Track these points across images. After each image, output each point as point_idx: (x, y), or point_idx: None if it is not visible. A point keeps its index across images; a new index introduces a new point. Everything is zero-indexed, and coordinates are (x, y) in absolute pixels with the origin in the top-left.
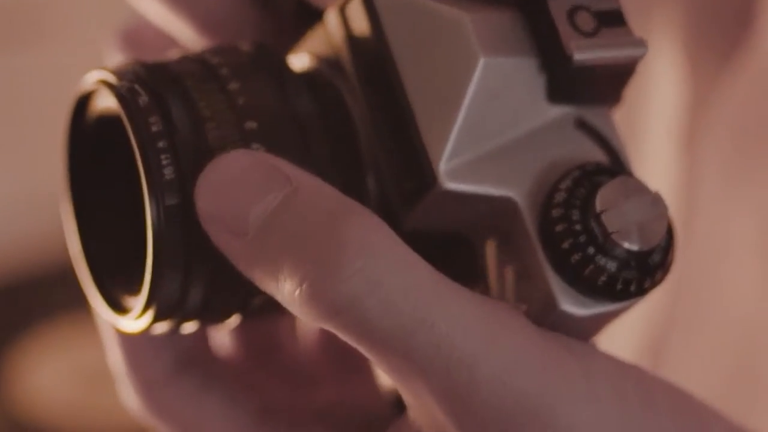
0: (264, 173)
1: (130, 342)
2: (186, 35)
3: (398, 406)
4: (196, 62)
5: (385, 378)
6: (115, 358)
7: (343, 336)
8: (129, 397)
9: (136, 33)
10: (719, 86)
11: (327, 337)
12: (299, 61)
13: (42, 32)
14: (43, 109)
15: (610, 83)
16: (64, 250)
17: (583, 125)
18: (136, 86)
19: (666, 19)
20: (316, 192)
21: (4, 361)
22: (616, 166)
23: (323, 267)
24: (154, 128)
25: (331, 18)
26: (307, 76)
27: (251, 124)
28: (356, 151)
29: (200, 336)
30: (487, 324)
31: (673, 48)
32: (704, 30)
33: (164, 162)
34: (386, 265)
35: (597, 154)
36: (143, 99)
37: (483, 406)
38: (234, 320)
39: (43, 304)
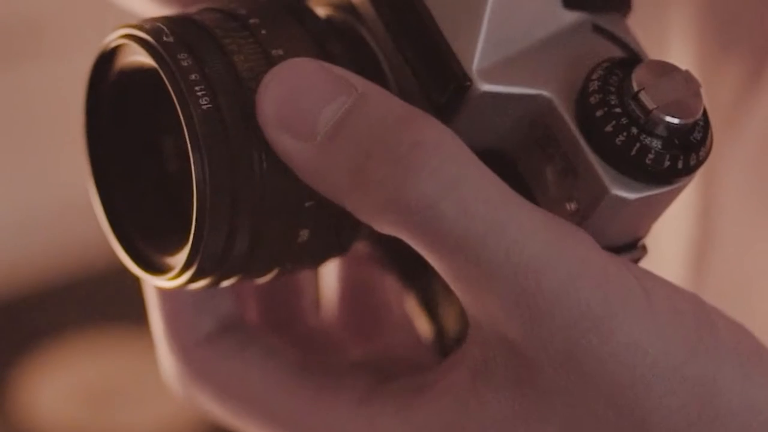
0: (331, 78)
1: (170, 306)
2: None
3: (439, 345)
4: (217, 11)
5: (420, 321)
6: (155, 322)
7: (413, 241)
8: (166, 362)
9: None
10: (738, 115)
11: (348, 303)
12: (317, 11)
13: (40, 49)
14: (43, 126)
15: None
16: (68, 267)
17: (599, 29)
18: (160, 31)
19: (682, 47)
20: (385, 98)
21: (7, 378)
22: (640, 58)
23: (399, 167)
24: (185, 63)
25: None
26: (327, 22)
27: (278, 52)
28: (385, 84)
29: (234, 301)
30: (552, 234)
31: (690, 63)
32: (721, 60)
33: (199, 93)
34: (460, 167)
35: (618, 53)
36: (169, 39)
37: (548, 313)
38: (272, 275)
39: (46, 322)
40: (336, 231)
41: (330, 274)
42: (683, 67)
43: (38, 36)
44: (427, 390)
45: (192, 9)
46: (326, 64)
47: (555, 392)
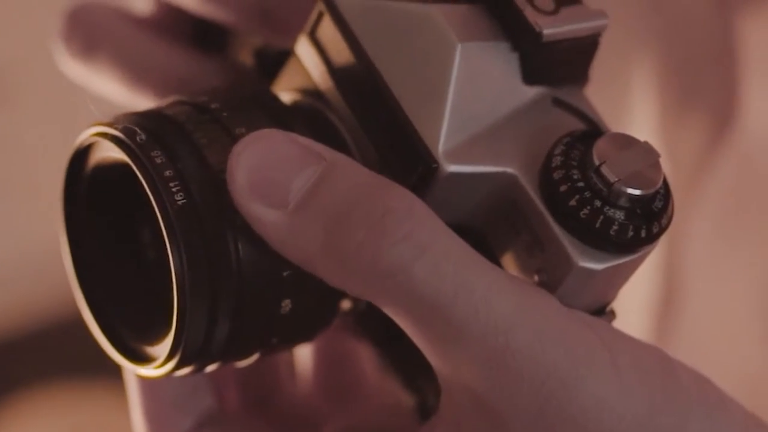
0: (300, 148)
1: (150, 404)
2: (149, 103)
3: (420, 411)
4: (186, 104)
5: (398, 391)
6: (136, 420)
7: (386, 304)
8: None
9: (84, 11)
10: (701, 176)
11: (323, 373)
12: (282, 97)
13: (7, 96)
14: (9, 176)
15: (578, 59)
16: (58, 311)
17: (559, 103)
18: (132, 129)
19: (644, 112)
20: (354, 167)
21: None
22: (600, 130)
23: (372, 233)
24: (158, 160)
25: (304, 47)
26: (294, 109)
27: (240, 130)
28: None
29: (213, 395)
30: (519, 294)
31: (652, 128)
32: (682, 124)
33: (174, 189)
34: (430, 231)
35: (579, 125)
36: (141, 137)
37: (517, 372)
38: (254, 357)
39: (35, 366)
40: (318, 298)
41: (304, 346)
42: (646, 130)
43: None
44: None
45: (162, 102)
46: (294, 135)
47: None
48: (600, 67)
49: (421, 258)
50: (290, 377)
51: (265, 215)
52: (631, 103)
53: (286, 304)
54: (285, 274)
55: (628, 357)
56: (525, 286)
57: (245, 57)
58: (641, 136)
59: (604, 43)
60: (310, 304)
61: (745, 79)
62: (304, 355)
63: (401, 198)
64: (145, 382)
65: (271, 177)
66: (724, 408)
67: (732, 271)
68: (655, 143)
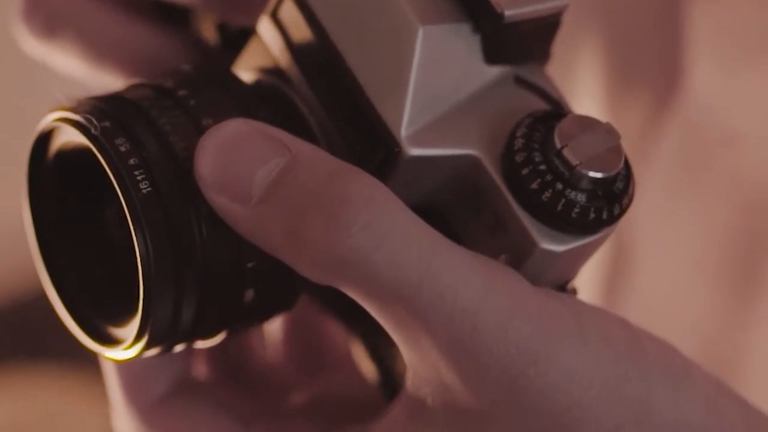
0: (264, 140)
1: (125, 373)
2: (114, 83)
3: (385, 387)
4: (148, 87)
5: (366, 364)
6: (113, 388)
7: (350, 292)
8: (125, 424)
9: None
10: (647, 143)
11: (293, 342)
12: (243, 76)
13: None
14: None
15: (539, 39)
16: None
17: (521, 82)
18: (96, 114)
19: (591, 83)
20: (316, 156)
21: None
22: (561, 111)
23: (331, 223)
24: (123, 148)
25: (265, 26)
26: (254, 88)
27: (208, 121)
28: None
29: (184, 363)
30: (485, 275)
31: (598, 97)
32: (628, 93)
33: (139, 177)
34: (390, 220)
35: (540, 105)
36: (105, 124)
37: (486, 353)
38: (221, 336)
39: None
40: (280, 288)
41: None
42: (593, 99)
43: None
44: None
45: (126, 85)
46: (260, 125)
47: (496, 426)
48: None
49: (381, 248)
50: (260, 346)
51: (230, 208)
52: (578, 76)
53: (250, 293)
54: (249, 265)
55: (596, 328)
56: (492, 266)
57: (208, 32)
58: (588, 105)
59: None
60: (274, 295)
61: (689, 47)
62: (274, 324)
63: (361, 187)
64: None
65: (235, 171)
66: (689, 376)
67: (680, 234)
68: (602, 112)
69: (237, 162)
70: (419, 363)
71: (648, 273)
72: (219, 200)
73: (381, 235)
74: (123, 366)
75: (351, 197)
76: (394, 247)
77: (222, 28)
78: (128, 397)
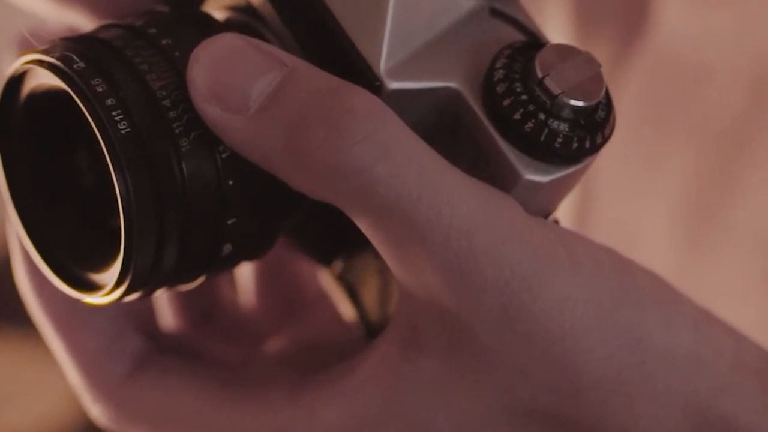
0: (259, 53)
1: (82, 357)
2: (82, 22)
3: (366, 326)
4: (120, 27)
5: (343, 305)
6: (72, 374)
7: (346, 206)
8: (94, 409)
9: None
10: (612, 80)
11: (266, 286)
12: (215, 15)
13: None
14: None
15: None
16: None
17: (497, 13)
18: (70, 56)
19: (558, 3)
20: (315, 71)
21: None
22: (539, 41)
23: (334, 133)
24: (99, 89)
25: None
26: (225, 25)
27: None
28: None
29: (149, 320)
30: (482, 196)
31: (565, 32)
32: (596, 22)
33: (117, 117)
34: (393, 132)
35: (517, 36)
36: (80, 64)
37: (480, 274)
38: (200, 281)
39: None
40: (256, 242)
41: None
42: (559, 35)
43: None
44: (357, 369)
45: (97, 26)
46: (254, 40)
47: (489, 352)
48: None
49: (384, 159)
50: (232, 292)
51: (224, 119)
52: (545, 9)
53: (227, 248)
54: (230, 222)
55: (587, 256)
56: (488, 190)
57: None
58: (556, 39)
59: None
60: (250, 248)
61: None
62: (245, 269)
63: (363, 99)
64: (68, 339)
65: (231, 82)
66: (679, 304)
67: (646, 176)
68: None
69: (233, 73)
70: (413, 283)
71: (610, 211)
72: (213, 111)
73: (384, 146)
74: (77, 352)
75: (353, 108)
76: (395, 160)
77: None
78: (92, 384)
